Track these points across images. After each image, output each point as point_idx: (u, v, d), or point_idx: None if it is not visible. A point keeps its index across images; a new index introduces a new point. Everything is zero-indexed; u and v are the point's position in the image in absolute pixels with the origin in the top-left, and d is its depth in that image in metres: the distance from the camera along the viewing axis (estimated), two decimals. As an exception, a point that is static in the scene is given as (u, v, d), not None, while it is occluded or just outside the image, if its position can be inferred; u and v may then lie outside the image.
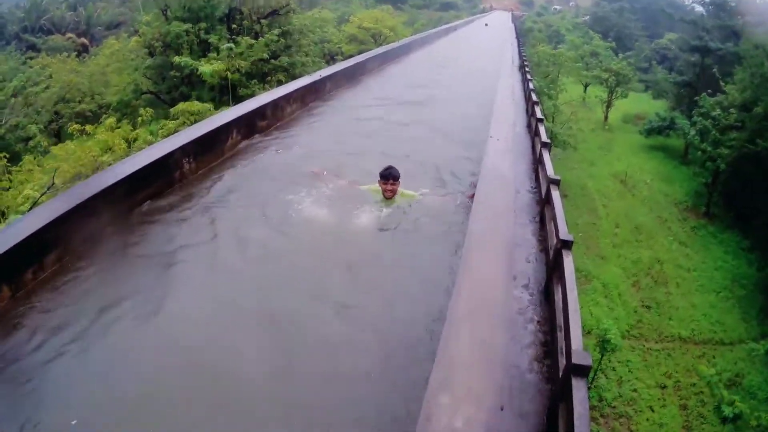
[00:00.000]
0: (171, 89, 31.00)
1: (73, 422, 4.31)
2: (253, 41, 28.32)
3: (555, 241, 5.24)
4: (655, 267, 27.42)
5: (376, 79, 20.32)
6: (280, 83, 26.19)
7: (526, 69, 20.78)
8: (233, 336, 5.44)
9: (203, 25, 29.34)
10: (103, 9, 66.76)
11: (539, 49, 47.27)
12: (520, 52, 29.60)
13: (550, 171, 7.16)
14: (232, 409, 4.45)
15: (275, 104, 12.48)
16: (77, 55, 47.76)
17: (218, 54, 27.54)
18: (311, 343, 5.40)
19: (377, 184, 8.23)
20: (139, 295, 5.95)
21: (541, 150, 8.62)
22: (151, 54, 31.08)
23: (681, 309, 24.49)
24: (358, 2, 74.17)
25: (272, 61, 29.04)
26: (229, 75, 26.57)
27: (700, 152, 32.81)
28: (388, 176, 8.04)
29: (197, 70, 26.99)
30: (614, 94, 50.85)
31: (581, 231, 29.17)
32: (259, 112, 11.71)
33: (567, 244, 4.88)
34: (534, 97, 13.06)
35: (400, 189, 8.21)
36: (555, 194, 6.31)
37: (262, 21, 30.32)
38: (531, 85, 15.95)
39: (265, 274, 6.65)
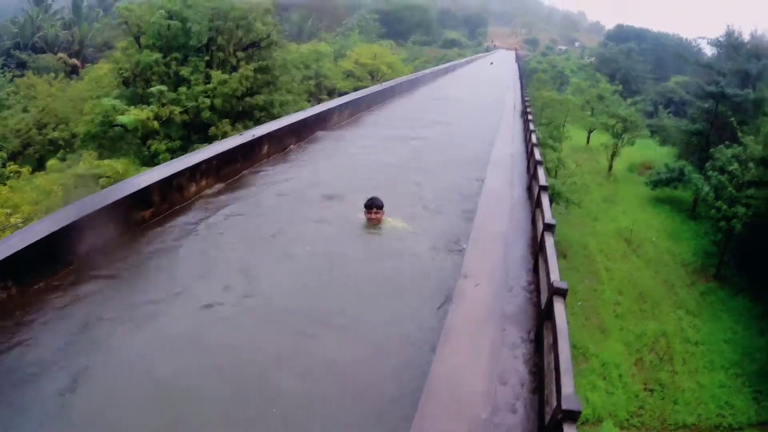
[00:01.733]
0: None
1: None
2: (227, 76, 25.90)
3: (547, 288, 5.33)
4: (660, 341, 24.95)
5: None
6: (258, 122, 23.83)
7: (529, 118, 18.41)
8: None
9: (176, 55, 26.96)
10: (98, 30, 64.57)
11: (544, 94, 45.10)
12: (522, 97, 27.20)
13: (548, 216, 7.21)
14: None
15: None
16: (67, 76, 45.87)
17: (189, 89, 25.19)
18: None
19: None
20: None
21: (539, 193, 8.63)
22: (126, 84, 28.62)
23: (687, 391, 22.26)
24: (357, 36, 72.07)
25: (247, 99, 26.61)
26: (155, 125, 24.31)
27: (714, 210, 29.89)
28: (371, 206, 8.69)
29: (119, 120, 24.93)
30: (620, 141, 48.29)
31: (581, 299, 26.83)
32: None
33: (560, 291, 4.93)
34: (537, 155, 10.94)
35: (386, 218, 8.77)
36: (549, 241, 6.36)
37: (239, 54, 27.75)
38: (534, 138, 13.43)
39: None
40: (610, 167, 49.33)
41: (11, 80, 45.54)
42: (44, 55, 62.00)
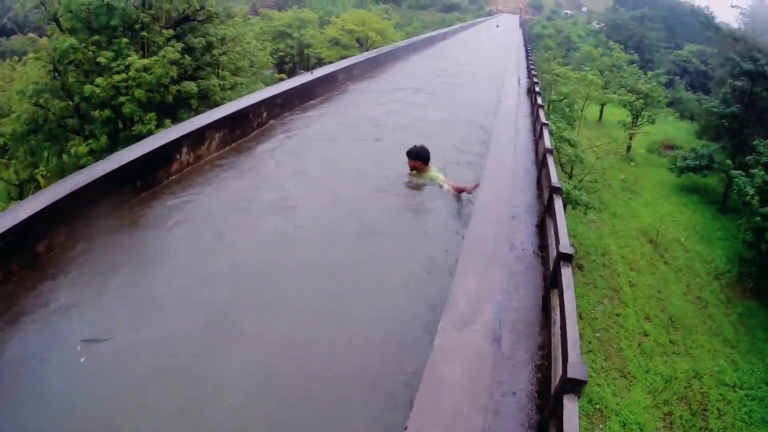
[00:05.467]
0: (60, 122, 22.96)
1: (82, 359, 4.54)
2: (146, 61, 20.16)
3: (555, 253, 5.05)
4: (693, 386, 20.28)
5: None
6: (197, 113, 18.88)
7: (538, 102, 13.02)
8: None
9: (98, 37, 21.47)
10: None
11: (556, 69, 40.03)
12: (529, 69, 21.74)
13: (555, 178, 6.89)
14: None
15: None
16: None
17: (111, 77, 19.90)
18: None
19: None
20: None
21: (545, 153, 8.25)
22: (56, 76, 23.37)
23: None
24: (348, 1, 66.24)
25: (172, 86, 20.88)
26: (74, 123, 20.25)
27: (759, 218, 24.61)
28: (408, 154, 8.50)
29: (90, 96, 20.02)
30: (641, 119, 43.15)
31: (599, 329, 22.20)
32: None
33: (566, 257, 4.74)
34: (554, 181, 7.16)
35: (429, 169, 8.49)
36: (557, 203, 6.14)
37: (165, 32, 21.46)
38: (546, 139, 9.21)
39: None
40: (628, 148, 44.46)
41: None
42: (15, 36, 56.75)
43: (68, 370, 4.46)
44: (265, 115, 11.63)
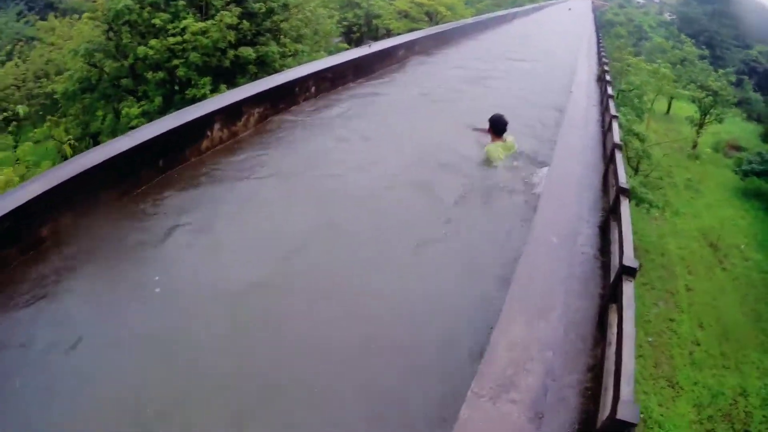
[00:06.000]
0: (113, 82, 22.36)
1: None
2: (202, 24, 19.63)
3: (617, 262, 4.60)
4: (739, 403, 19.15)
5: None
6: (253, 79, 18.64)
7: (609, 92, 12.17)
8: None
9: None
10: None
11: (626, 57, 38.79)
12: (599, 56, 20.80)
13: (623, 178, 6.29)
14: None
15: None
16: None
17: (166, 39, 19.45)
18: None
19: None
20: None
21: (613, 148, 7.34)
22: (111, 35, 22.99)
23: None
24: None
25: (230, 51, 20.22)
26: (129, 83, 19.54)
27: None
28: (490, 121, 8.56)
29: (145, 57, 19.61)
30: (708, 117, 41.66)
31: (652, 334, 21.25)
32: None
33: (629, 271, 4.25)
34: (622, 182, 6.48)
35: (505, 137, 8.50)
36: (624, 206, 5.58)
37: None
38: (616, 133, 8.48)
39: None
40: (694, 145, 42.93)
41: (27, 22, 40.31)
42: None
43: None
44: (313, 89, 11.08)
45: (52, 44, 29.14)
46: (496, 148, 8.34)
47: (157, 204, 6.66)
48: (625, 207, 5.54)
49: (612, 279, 4.50)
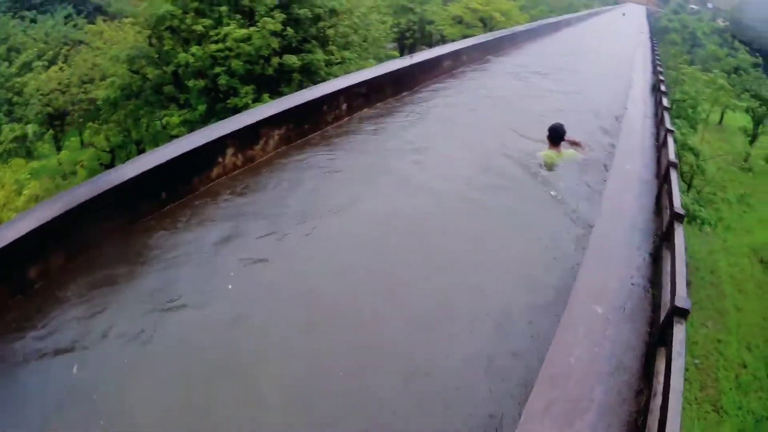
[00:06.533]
0: (156, 89, 22.36)
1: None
2: (245, 31, 19.54)
3: (668, 299, 4.42)
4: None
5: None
6: (300, 87, 18.42)
7: (664, 103, 11.55)
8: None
9: (196, 5, 20.64)
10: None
11: (681, 65, 37.96)
12: (654, 64, 20.18)
13: (678, 201, 5.92)
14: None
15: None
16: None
17: (208, 46, 19.40)
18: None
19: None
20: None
21: (668, 166, 7.21)
22: (153, 42, 23.05)
23: None
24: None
25: (274, 58, 20.09)
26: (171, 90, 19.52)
27: None
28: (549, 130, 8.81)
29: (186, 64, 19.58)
30: (762, 127, 40.61)
31: (698, 356, 20.53)
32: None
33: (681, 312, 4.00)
34: (676, 206, 6.07)
35: (562, 149, 8.76)
36: (678, 235, 5.22)
37: (268, 0, 20.36)
38: (671, 150, 8.16)
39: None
40: (746, 157, 41.45)
41: (75, 25, 39.92)
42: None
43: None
44: (344, 107, 10.16)
45: (98, 48, 29.22)
46: (550, 155, 8.55)
47: (153, 246, 5.94)
48: (679, 235, 5.21)
49: (662, 320, 4.22)
